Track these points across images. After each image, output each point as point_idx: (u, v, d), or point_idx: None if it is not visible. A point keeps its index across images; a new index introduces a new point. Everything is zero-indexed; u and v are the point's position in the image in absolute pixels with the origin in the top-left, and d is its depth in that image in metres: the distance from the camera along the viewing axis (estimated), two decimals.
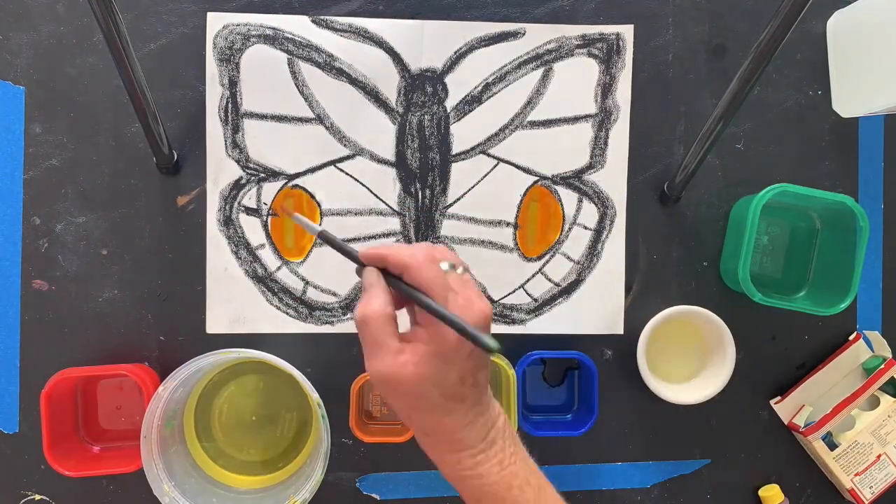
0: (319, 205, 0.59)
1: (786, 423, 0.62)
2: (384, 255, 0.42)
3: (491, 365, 0.60)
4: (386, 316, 0.41)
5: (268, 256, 0.59)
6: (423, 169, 0.60)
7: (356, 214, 0.60)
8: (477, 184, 0.60)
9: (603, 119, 0.60)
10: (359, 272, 0.45)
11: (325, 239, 0.48)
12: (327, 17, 0.59)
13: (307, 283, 0.59)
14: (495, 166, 0.60)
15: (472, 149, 0.60)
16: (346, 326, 0.60)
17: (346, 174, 0.59)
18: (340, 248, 0.46)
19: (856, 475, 0.60)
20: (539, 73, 0.60)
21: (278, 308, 0.59)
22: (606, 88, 0.60)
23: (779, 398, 0.62)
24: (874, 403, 0.61)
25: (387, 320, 0.41)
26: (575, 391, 0.62)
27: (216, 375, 0.60)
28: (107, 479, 0.58)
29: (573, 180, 0.61)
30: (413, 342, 0.41)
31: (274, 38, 0.58)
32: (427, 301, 0.40)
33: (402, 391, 0.41)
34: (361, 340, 0.42)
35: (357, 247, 0.44)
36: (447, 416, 0.42)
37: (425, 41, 0.59)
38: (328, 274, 0.60)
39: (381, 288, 0.42)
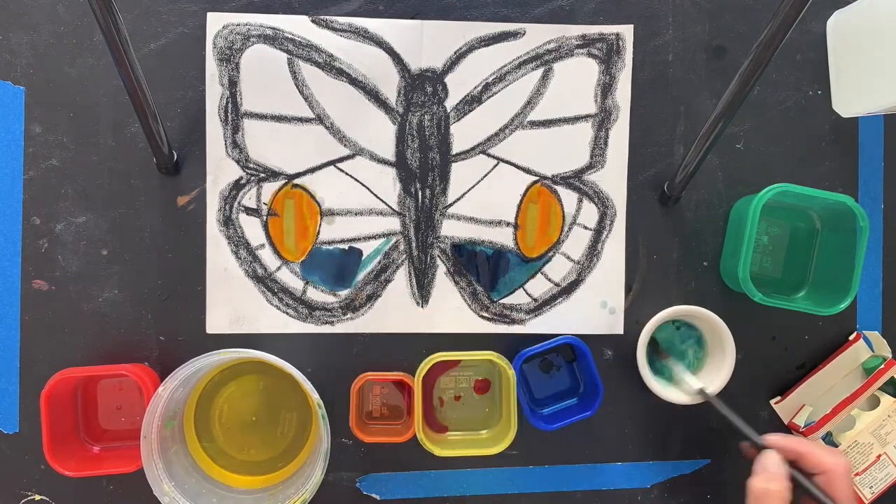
0: (319, 205, 0.59)
1: (786, 423, 0.62)
2: (801, 454, 0.46)
3: (491, 366, 0.60)
4: (784, 499, 0.45)
5: (267, 256, 0.59)
6: (423, 169, 0.60)
7: (356, 214, 0.60)
8: (477, 184, 0.60)
9: (603, 119, 0.60)
10: (747, 449, 0.49)
11: (714, 403, 0.53)
12: (327, 17, 0.59)
13: (307, 283, 0.60)
14: (495, 166, 0.60)
15: (472, 149, 0.60)
16: (346, 326, 0.60)
17: (346, 174, 0.59)
18: (737, 424, 0.52)
19: (856, 475, 0.60)
20: (539, 73, 0.60)
21: (278, 308, 0.59)
22: (606, 88, 0.60)
23: (779, 398, 0.62)
24: (874, 403, 0.61)
25: (781, 499, 0.45)
26: (577, 376, 0.61)
27: (216, 375, 0.60)
28: (107, 479, 0.58)
29: (573, 180, 0.61)
30: None
31: (274, 38, 0.58)
32: None
33: None
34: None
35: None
36: None
37: (425, 41, 0.59)
38: (328, 274, 0.60)
39: (784, 475, 0.46)
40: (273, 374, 0.59)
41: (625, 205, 0.61)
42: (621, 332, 0.61)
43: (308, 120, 0.59)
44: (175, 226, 0.59)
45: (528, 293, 0.61)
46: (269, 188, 0.59)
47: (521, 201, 0.61)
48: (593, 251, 0.61)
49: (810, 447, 0.46)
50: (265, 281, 0.59)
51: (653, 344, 0.58)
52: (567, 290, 0.61)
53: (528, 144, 0.60)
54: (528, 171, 0.60)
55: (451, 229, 0.60)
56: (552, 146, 0.60)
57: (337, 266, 0.60)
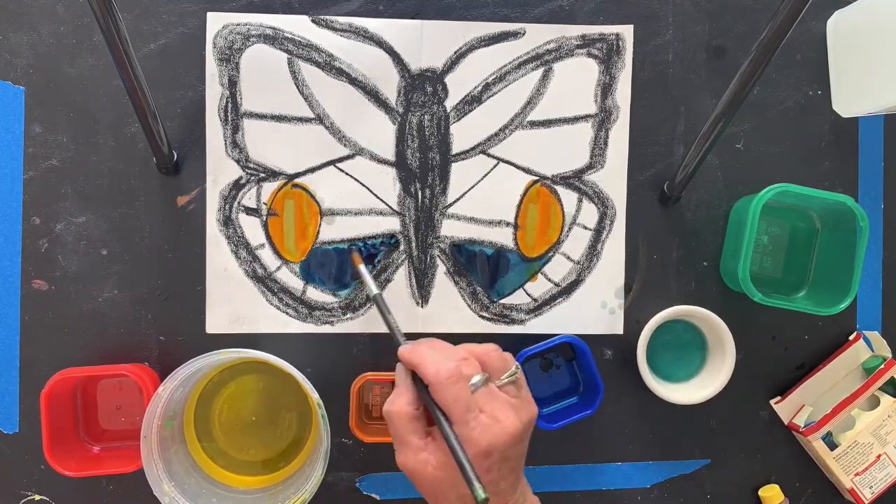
0: (319, 205, 0.59)
1: (786, 423, 0.62)
2: (416, 364, 0.45)
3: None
4: (409, 415, 0.44)
5: (267, 256, 0.59)
6: (423, 169, 0.60)
7: (356, 214, 0.60)
8: (477, 184, 0.60)
9: (603, 119, 0.60)
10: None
11: (377, 305, 0.53)
12: (327, 17, 0.59)
13: (307, 282, 0.60)
14: (495, 166, 0.60)
15: (472, 149, 0.60)
16: (346, 326, 0.60)
17: (346, 174, 0.59)
18: (388, 322, 0.51)
19: (856, 475, 0.60)
20: (539, 73, 0.60)
21: (278, 308, 0.59)
22: (606, 88, 0.60)
23: (779, 398, 0.62)
24: (874, 403, 0.61)
25: (409, 419, 0.44)
26: (577, 375, 0.61)
27: (216, 375, 0.60)
28: (107, 479, 0.58)
29: (573, 180, 0.61)
30: (437, 442, 0.43)
31: (274, 38, 0.58)
32: (440, 421, 0.43)
33: (422, 486, 0.44)
34: (391, 433, 0.45)
35: (394, 314, 0.51)
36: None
37: (425, 41, 0.59)
38: (328, 274, 0.60)
39: (407, 387, 0.45)
40: (273, 374, 0.59)
41: (625, 205, 0.61)
42: (621, 332, 0.61)
43: (308, 120, 0.59)
44: (175, 226, 0.59)
45: (528, 293, 0.61)
46: (269, 188, 0.59)
47: (521, 201, 0.61)
48: (593, 251, 0.61)
49: (421, 357, 0.44)
50: (265, 281, 0.59)
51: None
52: (567, 290, 0.61)
53: (528, 144, 0.60)
54: (528, 171, 0.60)
55: (451, 229, 0.60)
56: (552, 146, 0.60)
57: (337, 266, 0.60)
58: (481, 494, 0.39)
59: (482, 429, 0.42)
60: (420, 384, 0.45)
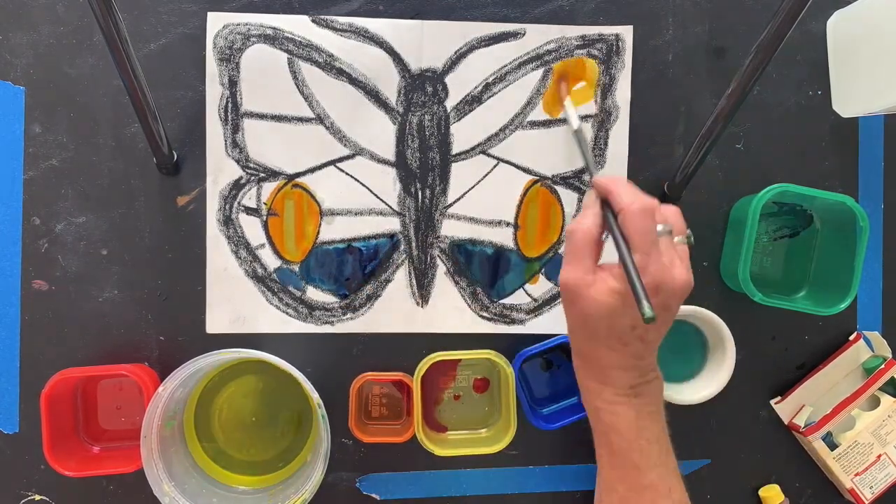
0: (319, 204, 0.59)
1: (786, 423, 0.62)
2: (610, 191, 0.45)
3: (490, 365, 0.60)
4: (591, 235, 0.45)
5: (267, 256, 0.59)
6: (423, 169, 0.60)
7: (356, 214, 0.60)
8: (477, 184, 0.60)
9: (603, 119, 0.60)
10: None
11: (578, 140, 0.54)
12: (327, 17, 0.59)
13: (307, 282, 0.59)
14: (495, 166, 0.60)
15: (472, 149, 0.60)
16: (346, 326, 0.60)
17: (346, 174, 0.59)
18: (586, 157, 0.53)
19: (856, 475, 0.60)
20: (539, 73, 0.60)
21: (278, 308, 0.59)
22: (606, 89, 0.60)
23: (779, 398, 0.62)
24: (874, 403, 0.61)
25: (591, 240, 0.45)
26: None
27: (216, 375, 0.60)
28: (107, 479, 0.58)
29: (573, 180, 0.61)
30: (607, 272, 0.44)
31: (274, 38, 0.58)
32: (620, 243, 0.43)
33: (578, 306, 0.44)
34: (564, 251, 0.46)
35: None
36: (608, 350, 0.44)
37: (425, 41, 0.59)
38: (328, 274, 0.60)
39: (595, 213, 0.46)
40: (273, 374, 0.59)
41: None
42: None
43: (308, 120, 0.59)
44: (175, 226, 0.59)
45: (528, 293, 0.61)
46: (269, 188, 0.59)
47: (521, 201, 0.61)
48: None
49: (616, 185, 0.45)
50: (265, 281, 0.59)
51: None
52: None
53: (528, 144, 0.60)
54: (528, 171, 0.60)
55: (451, 229, 0.60)
56: (552, 146, 0.60)
57: (337, 266, 0.60)
58: (649, 312, 0.39)
59: (658, 266, 0.42)
60: (608, 208, 0.45)
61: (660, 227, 0.44)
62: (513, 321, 0.61)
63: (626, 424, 0.45)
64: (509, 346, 0.60)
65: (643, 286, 0.40)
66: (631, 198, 0.44)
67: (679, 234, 0.45)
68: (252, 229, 0.59)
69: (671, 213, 0.46)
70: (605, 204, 0.46)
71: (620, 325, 0.43)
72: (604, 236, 0.46)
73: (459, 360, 0.61)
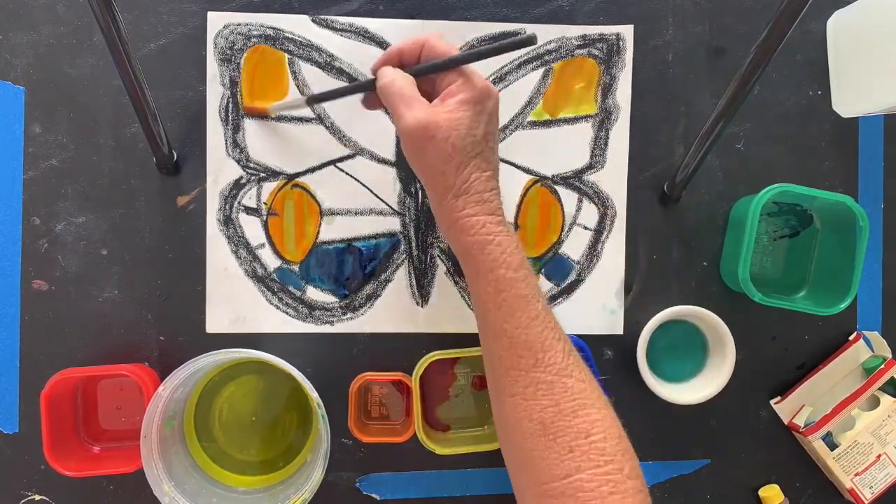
0: (319, 204, 0.59)
1: (786, 423, 0.62)
2: (398, 49, 0.47)
3: None
4: (408, 78, 0.45)
5: (267, 256, 0.59)
6: None
7: (356, 214, 0.60)
8: None
9: (603, 119, 0.60)
10: (369, 98, 0.50)
11: (319, 99, 0.53)
12: (328, 17, 0.59)
13: (307, 282, 0.59)
14: None
15: None
16: (346, 326, 0.60)
17: (347, 174, 0.59)
18: (342, 91, 0.52)
19: (856, 475, 0.60)
20: (539, 73, 0.60)
21: (278, 308, 0.59)
22: (606, 88, 0.60)
23: (779, 398, 0.62)
24: (874, 403, 0.61)
25: (410, 81, 0.45)
26: None
27: (216, 375, 0.60)
28: (107, 479, 0.58)
29: (573, 180, 0.61)
30: (444, 96, 0.44)
31: (275, 38, 0.58)
32: (454, 54, 0.45)
33: (438, 139, 0.44)
34: (389, 106, 0.45)
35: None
36: (478, 171, 0.45)
37: None
38: (328, 274, 0.60)
39: (398, 71, 0.46)
40: (273, 374, 0.59)
41: (625, 205, 0.61)
42: (621, 332, 0.61)
43: (308, 120, 0.59)
44: (175, 226, 0.59)
45: None
46: (269, 188, 0.59)
47: (521, 201, 0.61)
48: (593, 251, 0.61)
49: (397, 45, 0.47)
50: (265, 281, 0.59)
51: None
52: (567, 290, 0.61)
53: (528, 144, 0.60)
54: (528, 171, 0.60)
55: None
56: (552, 146, 0.60)
57: (337, 266, 0.60)
58: (529, 32, 0.43)
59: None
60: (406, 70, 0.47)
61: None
62: None
63: (511, 253, 0.44)
64: None
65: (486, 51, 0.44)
66: (417, 36, 0.46)
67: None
68: (252, 229, 0.59)
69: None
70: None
71: (479, 137, 0.44)
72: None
73: (458, 359, 0.61)
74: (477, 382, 0.61)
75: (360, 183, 0.60)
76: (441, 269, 0.60)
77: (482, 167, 0.45)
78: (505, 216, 0.46)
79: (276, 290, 0.59)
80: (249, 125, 0.59)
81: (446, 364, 0.61)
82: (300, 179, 0.59)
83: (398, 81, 0.45)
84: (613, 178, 0.61)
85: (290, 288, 0.59)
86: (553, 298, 0.61)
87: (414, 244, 0.60)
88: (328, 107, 0.59)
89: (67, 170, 0.58)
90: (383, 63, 0.47)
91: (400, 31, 0.59)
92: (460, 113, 0.43)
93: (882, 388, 0.61)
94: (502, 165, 0.60)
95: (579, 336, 0.59)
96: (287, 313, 0.59)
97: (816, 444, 0.60)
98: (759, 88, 0.61)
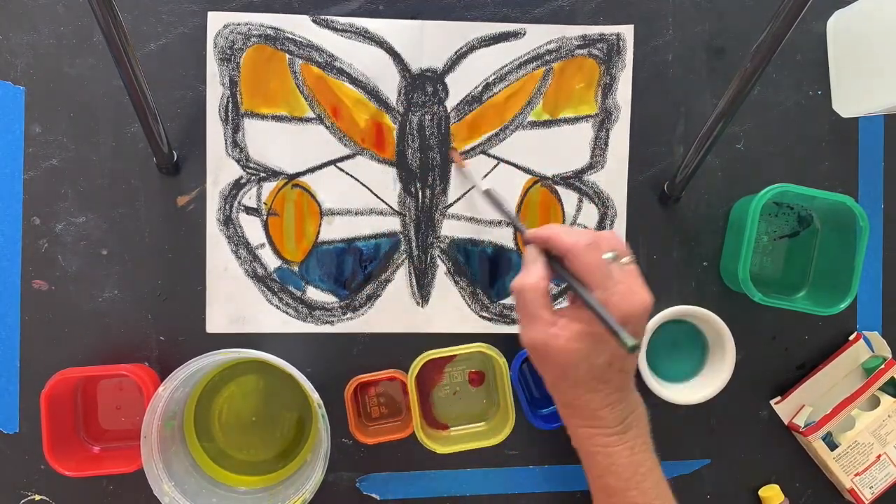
0: (320, 204, 0.59)
1: (786, 423, 0.62)
2: (548, 238, 0.45)
3: (484, 358, 0.60)
4: (540, 289, 0.44)
5: (267, 256, 0.59)
6: (424, 169, 0.60)
7: (356, 214, 0.60)
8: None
9: (603, 119, 0.60)
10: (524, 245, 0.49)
11: (491, 197, 0.55)
12: (328, 17, 0.59)
13: (307, 282, 0.59)
14: (495, 166, 0.60)
15: (472, 149, 0.60)
16: (346, 326, 0.60)
17: (347, 174, 0.59)
18: (507, 213, 0.53)
19: (856, 475, 0.60)
20: (539, 73, 0.60)
21: (278, 308, 0.59)
22: (606, 88, 0.60)
23: (779, 398, 0.62)
24: (874, 403, 0.61)
25: (541, 293, 0.44)
26: None
27: (216, 375, 0.60)
28: (107, 479, 0.58)
29: (573, 180, 0.61)
30: (567, 318, 0.43)
31: (275, 38, 0.58)
32: (578, 287, 0.43)
33: (551, 361, 0.44)
34: (517, 311, 0.45)
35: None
36: (591, 393, 0.44)
37: (425, 41, 0.59)
38: (328, 274, 0.60)
39: (540, 264, 0.45)
40: (273, 374, 0.59)
41: (625, 205, 0.61)
42: None
43: (308, 120, 0.59)
44: (175, 226, 0.59)
45: None
46: (269, 188, 0.59)
47: (522, 201, 0.61)
48: None
49: (554, 231, 0.45)
50: (265, 281, 0.59)
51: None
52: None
53: (529, 144, 0.60)
54: (528, 171, 0.60)
55: (451, 229, 0.60)
56: (552, 146, 0.60)
57: (337, 266, 0.60)
58: (631, 342, 0.38)
59: (620, 296, 0.42)
60: (552, 258, 0.45)
61: (609, 254, 0.43)
62: (513, 321, 0.61)
63: (622, 464, 0.45)
64: (509, 346, 0.60)
65: (615, 321, 0.40)
66: (573, 237, 0.44)
67: (623, 256, 0.45)
68: (252, 229, 0.59)
69: (610, 237, 0.45)
70: (549, 255, 0.46)
71: (598, 364, 0.43)
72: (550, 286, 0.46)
73: (453, 357, 0.61)
74: (473, 378, 0.61)
75: (361, 183, 0.60)
76: (441, 269, 0.60)
77: (599, 388, 0.44)
78: (629, 421, 0.45)
79: (276, 290, 0.59)
80: (249, 125, 0.59)
81: (442, 363, 0.61)
82: (300, 179, 0.59)
83: (527, 295, 0.44)
84: (613, 179, 0.61)
85: (291, 288, 0.59)
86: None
87: (414, 244, 0.60)
88: (328, 107, 0.59)
89: (67, 170, 0.58)
90: (537, 241, 0.46)
91: (400, 32, 0.59)
92: (577, 344, 0.42)
93: (882, 388, 0.61)
94: (503, 165, 0.60)
95: None
96: (287, 313, 0.59)
97: (816, 444, 0.60)
98: (759, 88, 0.61)
